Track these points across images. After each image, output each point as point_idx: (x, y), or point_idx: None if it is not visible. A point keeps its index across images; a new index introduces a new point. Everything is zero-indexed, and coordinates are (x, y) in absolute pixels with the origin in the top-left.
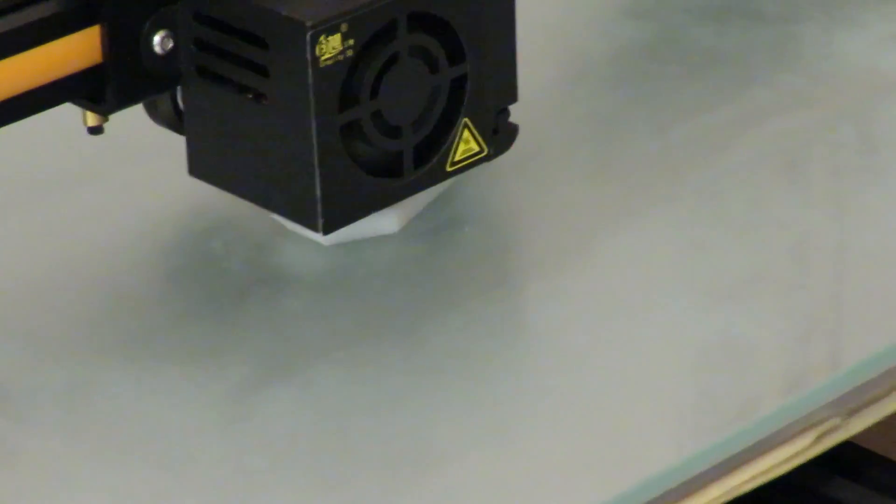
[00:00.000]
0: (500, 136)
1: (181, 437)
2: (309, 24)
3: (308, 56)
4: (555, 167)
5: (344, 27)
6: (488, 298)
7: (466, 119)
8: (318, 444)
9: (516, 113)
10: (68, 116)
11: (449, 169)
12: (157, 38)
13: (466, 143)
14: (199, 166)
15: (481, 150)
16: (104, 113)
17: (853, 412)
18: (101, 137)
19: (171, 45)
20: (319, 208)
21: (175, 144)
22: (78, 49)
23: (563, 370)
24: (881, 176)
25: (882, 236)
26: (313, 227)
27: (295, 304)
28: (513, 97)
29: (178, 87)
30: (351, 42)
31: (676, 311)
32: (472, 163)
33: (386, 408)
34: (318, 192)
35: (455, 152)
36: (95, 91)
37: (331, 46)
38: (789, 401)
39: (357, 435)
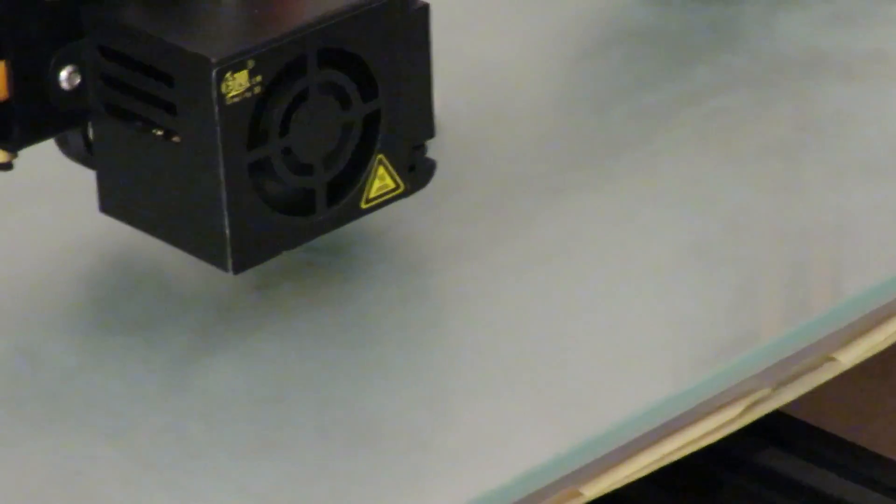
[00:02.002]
0: (416, 171)
1: (122, 406)
2: (214, 60)
3: (214, 93)
4: (494, 144)
5: (251, 63)
6: (425, 271)
7: (381, 155)
8: (255, 412)
9: (461, 93)
10: None
11: (364, 206)
12: (63, 74)
13: (382, 180)
14: (110, 203)
15: (397, 187)
16: (11, 150)
17: (782, 383)
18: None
19: (78, 80)
20: (228, 248)
21: None
22: None
23: (498, 342)
24: (818, 154)
25: (818, 213)
26: (223, 267)
27: (233, 278)
28: (429, 132)
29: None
30: (258, 78)
31: (611, 283)
32: (388, 199)
33: (323, 377)
34: (227, 232)
35: (370, 189)
36: (2, 127)
37: (237, 83)
38: (718, 370)
39: (294, 404)
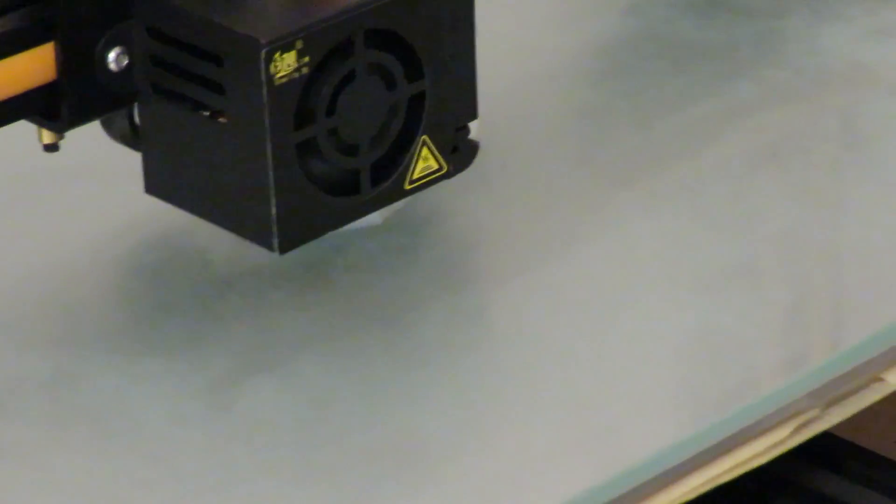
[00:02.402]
0: (459, 153)
1: (164, 428)
2: (263, 41)
3: (262, 73)
4: (538, 160)
5: (299, 44)
6: (471, 290)
7: (425, 137)
8: (299, 434)
9: (503, 107)
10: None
11: (408, 187)
12: (112, 55)
13: (425, 161)
14: (155, 184)
15: (441, 168)
16: (59, 130)
17: (832, 403)
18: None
19: (126, 61)
20: (275, 228)
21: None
22: (32, 66)
23: (545, 361)
24: (864, 170)
25: (864, 230)
26: (269, 247)
27: (277, 296)
28: (473, 114)
29: (135, 104)
30: (306, 59)
31: (658, 303)
32: (432, 180)
33: (368, 399)
34: (274, 211)
35: (414, 170)
36: (50, 108)
37: (286, 63)
38: (768, 392)
39: (339, 425)
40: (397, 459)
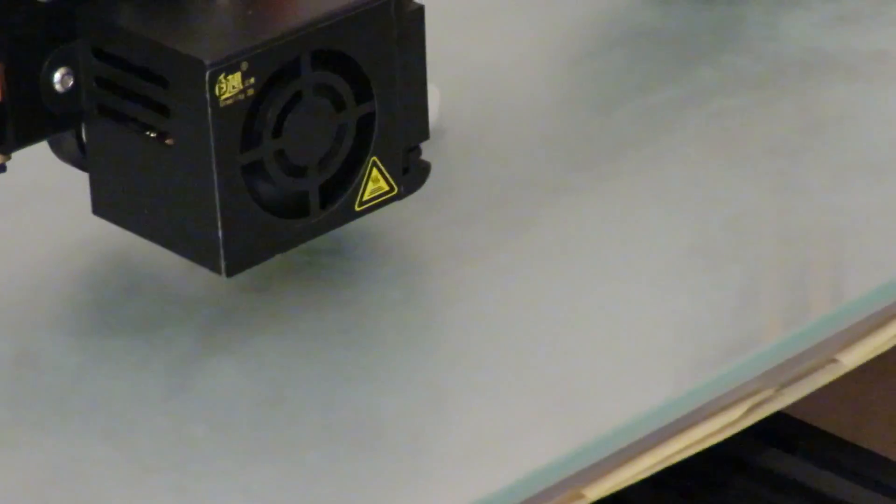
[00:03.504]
0: (411, 174)
1: (124, 407)
2: (207, 62)
3: (207, 95)
4: (496, 145)
5: (244, 65)
6: (429, 273)
7: (375, 158)
8: (258, 414)
9: (463, 94)
10: None
11: (358, 208)
12: (57, 76)
13: (375, 182)
14: (102, 205)
15: (391, 189)
16: (5, 151)
17: (785, 384)
18: None
19: (71, 82)
20: (222, 251)
21: None
22: None
23: (502, 343)
24: (822, 155)
25: (820, 214)
26: (216, 270)
27: (238, 279)
28: (424, 135)
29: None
30: (252, 80)
31: (614, 285)
32: (382, 202)
33: (327, 379)
34: (221, 234)
35: (364, 192)
36: None
37: (231, 85)
38: (721, 372)
39: (298, 405)
40: (356, 437)
